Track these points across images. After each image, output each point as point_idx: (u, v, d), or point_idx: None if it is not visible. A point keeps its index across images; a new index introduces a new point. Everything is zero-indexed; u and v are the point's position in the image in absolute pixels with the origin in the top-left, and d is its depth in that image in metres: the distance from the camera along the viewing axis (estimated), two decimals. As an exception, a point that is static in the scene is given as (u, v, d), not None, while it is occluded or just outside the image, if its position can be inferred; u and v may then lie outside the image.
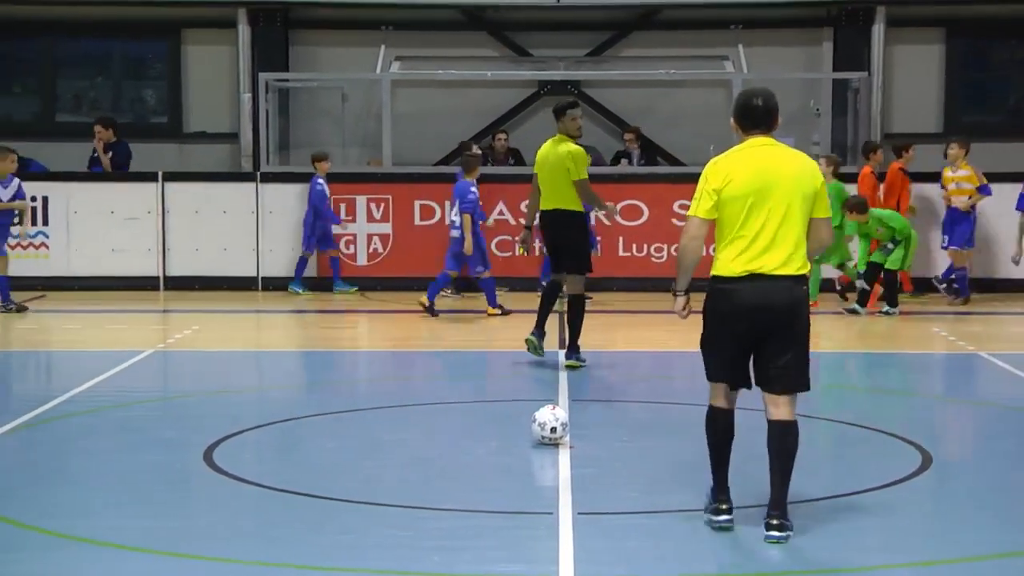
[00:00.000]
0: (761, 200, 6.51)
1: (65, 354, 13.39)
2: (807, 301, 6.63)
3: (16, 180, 15.86)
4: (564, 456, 8.30)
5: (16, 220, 15.91)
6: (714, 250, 6.67)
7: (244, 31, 19.15)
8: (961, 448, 9.35)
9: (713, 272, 6.61)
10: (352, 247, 17.84)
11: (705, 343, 6.73)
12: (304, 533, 6.77)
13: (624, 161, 19.02)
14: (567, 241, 11.64)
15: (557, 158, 11.61)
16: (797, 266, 6.54)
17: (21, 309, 15.67)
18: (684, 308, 6.79)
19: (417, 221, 17.78)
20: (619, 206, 17.54)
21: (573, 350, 11.79)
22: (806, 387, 6.62)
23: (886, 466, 8.18)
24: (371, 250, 17.81)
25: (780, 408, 6.58)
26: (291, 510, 7.25)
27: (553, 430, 8.52)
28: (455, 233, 15.61)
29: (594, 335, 14.18)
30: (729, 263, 6.54)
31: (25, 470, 8.11)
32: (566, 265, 11.71)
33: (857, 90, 18.87)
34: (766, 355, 6.58)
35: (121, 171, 18.27)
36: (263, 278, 17.85)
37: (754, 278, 6.49)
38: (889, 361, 13.00)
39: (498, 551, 6.50)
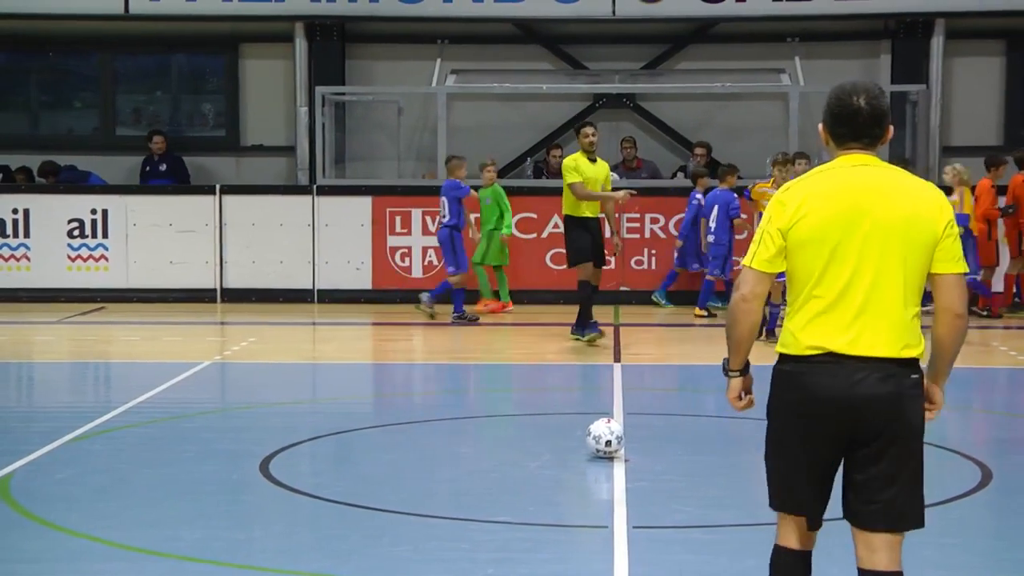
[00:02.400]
0: (848, 247, 4.49)
1: (124, 365, 13.51)
2: (921, 396, 4.58)
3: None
4: (619, 469, 8.28)
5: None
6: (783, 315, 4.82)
7: (301, 45, 19.26)
8: (1022, 464, 9.23)
9: (779, 347, 4.65)
10: (407, 260, 17.89)
11: (768, 452, 4.72)
12: (359, 545, 6.79)
13: (680, 175, 18.98)
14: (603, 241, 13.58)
15: (602, 172, 13.56)
16: (903, 344, 4.51)
17: (473, 319, 15.87)
18: (738, 394, 4.79)
19: (472, 235, 17.78)
20: (675, 219, 17.54)
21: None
22: (919, 523, 4.61)
23: (946, 482, 8.10)
24: (426, 262, 17.85)
25: (878, 553, 4.61)
26: (346, 522, 7.28)
27: (608, 443, 8.50)
28: (710, 238, 16.14)
29: (648, 348, 14.16)
30: (799, 335, 4.56)
31: (84, 481, 8.18)
32: (602, 261, 13.58)
33: (916, 103, 18.73)
34: (859, 478, 4.57)
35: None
36: (319, 290, 17.92)
37: (835, 359, 4.50)
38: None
39: (553, 564, 6.49)
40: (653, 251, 17.72)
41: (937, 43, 18.81)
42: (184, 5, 19.04)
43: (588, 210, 13.38)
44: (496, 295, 16.97)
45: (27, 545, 6.81)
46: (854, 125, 4.57)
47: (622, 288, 17.66)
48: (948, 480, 8.16)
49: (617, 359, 12.96)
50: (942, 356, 4.64)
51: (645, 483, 7.99)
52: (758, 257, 4.62)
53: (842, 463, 4.62)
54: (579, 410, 10.26)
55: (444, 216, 16.10)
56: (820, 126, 4.68)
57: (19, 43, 20.33)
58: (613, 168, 18.55)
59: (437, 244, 16.88)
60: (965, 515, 7.48)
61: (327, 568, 6.40)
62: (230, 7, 19.11)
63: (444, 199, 16.09)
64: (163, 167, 18.93)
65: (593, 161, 13.52)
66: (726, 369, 4.78)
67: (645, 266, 17.71)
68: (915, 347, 4.54)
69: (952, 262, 4.54)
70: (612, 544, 6.71)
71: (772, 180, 14.52)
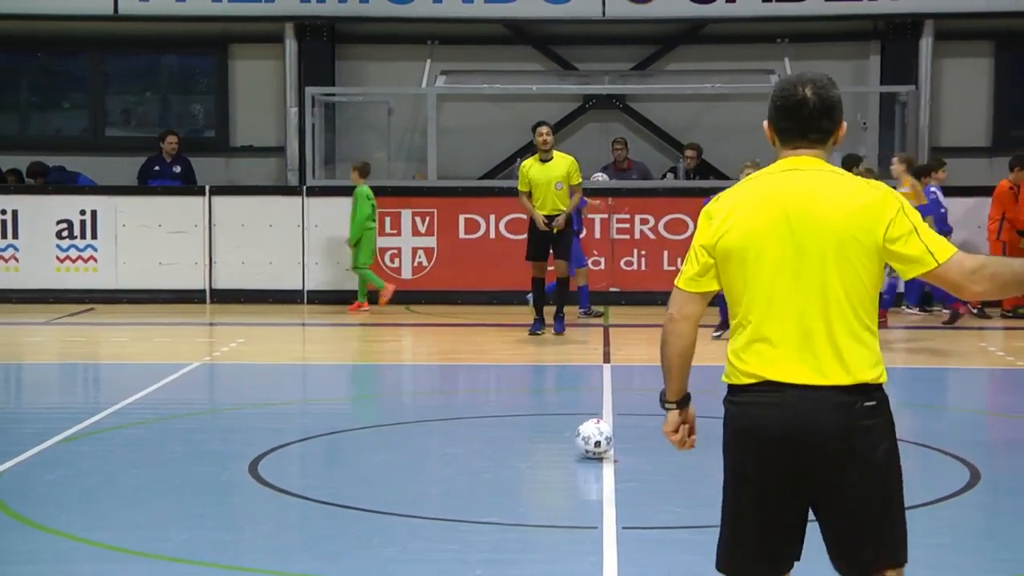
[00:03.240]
0: (780, 261, 4.01)
1: (113, 366, 13.48)
2: (882, 425, 4.04)
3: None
4: (608, 470, 8.28)
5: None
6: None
7: (291, 46, 19.25)
8: (1010, 464, 9.25)
9: (723, 376, 4.16)
10: (397, 260, 17.88)
11: (723, 496, 4.17)
12: (349, 546, 6.79)
13: (670, 175, 19.00)
14: (565, 237, 14.47)
15: (555, 171, 14.36)
16: (852, 367, 3.99)
17: (599, 314, 16.21)
18: (675, 428, 4.27)
19: (462, 235, 17.81)
20: (664, 220, 17.55)
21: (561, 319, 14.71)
22: (900, 559, 4.07)
23: (934, 482, 8.11)
24: (416, 263, 17.85)
25: None
26: (336, 523, 7.27)
27: (597, 444, 8.50)
28: None
29: (638, 349, 14.17)
30: (736, 362, 4.08)
31: (73, 482, 8.17)
32: (564, 255, 14.41)
33: (905, 104, 18.76)
34: (824, 522, 4.07)
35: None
36: (308, 292, 17.91)
37: (775, 388, 4.00)
38: (937, 376, 12.91)
39: (542, 565, 6.49)
40: (643, 252, 17.73)
41: (926, 44, 18.86)
42: (174, 6, 19.02)
43: (538, 209, 14.32)
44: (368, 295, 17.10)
45: (15, 546, 6.79)
46: (799, 118, 4.09)
47: (612, 289, 17.67)
48: (937, 480, 8.17)
49: (607, 360, 12.97)
50: (1011, 280, 4.01)
51: (634, 484, 7.99)
52: (683, 275, 4.20)
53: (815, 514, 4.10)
54: (568, 411, 10.25)
55: None
56: (765, 124, 4.17)
57: (8, 43, 20.28)
58: (603, 169, 18.60)
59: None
60: (954, 515, 7.49)
61: (316, 569, 6.39)
62: (220, 8, 19.10)
63: None
64: (177, 168, 18.84)
65: (547, 160, 14.36)
66: (662, 400, 4.27)
67: (635, 267, 17.72)
68: (868, 370, 3.99)
69: (928, 255, 3.96)
70: (601, 545, 6.72)
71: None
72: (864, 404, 3.99)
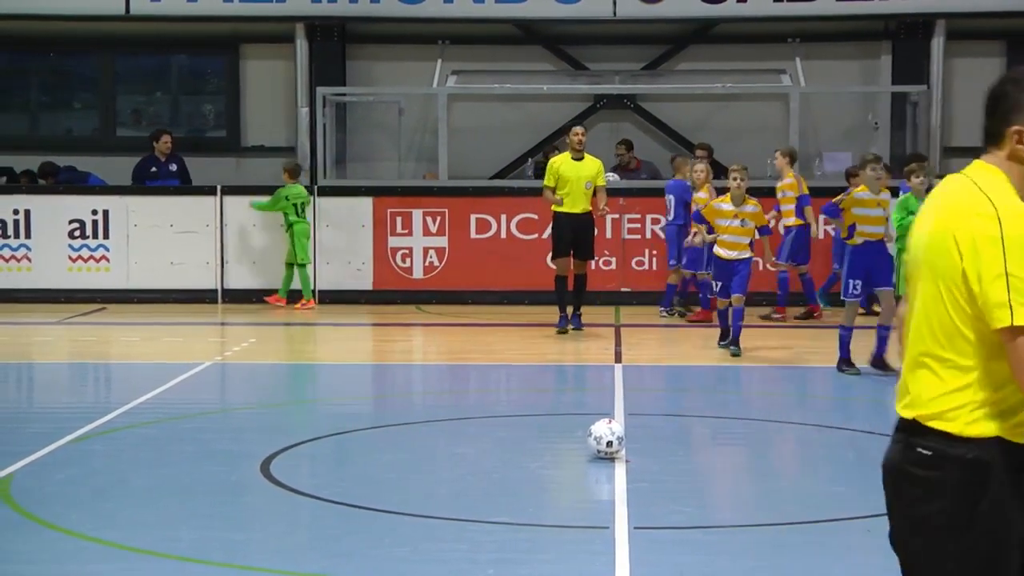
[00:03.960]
0: (911, 279, 3.58)
1: (124, 366, 13.50)
2: (946, 486, 3.42)
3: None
4: (620, 470, 8.27)
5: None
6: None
7: (302, 46, 19.26)
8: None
9: None
10: (408, 260, 17.89)
11: None
12: (360, 546, 6.79)
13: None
14: (590, 236, 14.83)
15: (586, 170, 14.67)
16: (916, 401, 3.47)
17: (683, 314, 16.20)
18: None
19: (473, 235, 17.80)
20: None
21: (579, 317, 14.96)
22: None
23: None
24: (427, 263, 17.84)
25: None
26: (347, 523, 7.27)
27: (609, 444, 8.49)
28: None
29: (649, 349, 14.17)
30: None
31: (85, 481, 8.18)
32: (586, 254, 14.82)
33: (916, 103, 18.72)
34: None
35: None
36: (320, 291, 17.91)
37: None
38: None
39: (553, 565, 6.49)
40: (654, 252, 17.70)
41: (937, 44, 18.82)
42: (185, 6, 19.04)
43: (567, 207, 14.59)
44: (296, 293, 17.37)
45: (26, 545, 6.81)
46: (986, 115, 3.50)
47: (623, 289, 17.66)
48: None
49: (618, 360, 12.95)
50: None
51: (646, 484, 7.98)
52: None
53: None
54: (580, 411, 10.25)
55: (670, 215, 16.12)
56: None
57: (19, 44, 20.32)
58: (612, 169, 18.59)
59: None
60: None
61: (326, 569, 6.39)
62: (231, 8, 19.11)
63: (671, 198, 16.09)
64: (173, 167, 18.82)
65: (579, 159, 14.68)
66: None
67: (646, 267, 17.71)
68: (926, 402, 3.43)
69: (1004, 310, 3.25)
70: (613, 545, 6.71)
71: (728, 195, 13.26)
72: (918, 449, 3.45)
